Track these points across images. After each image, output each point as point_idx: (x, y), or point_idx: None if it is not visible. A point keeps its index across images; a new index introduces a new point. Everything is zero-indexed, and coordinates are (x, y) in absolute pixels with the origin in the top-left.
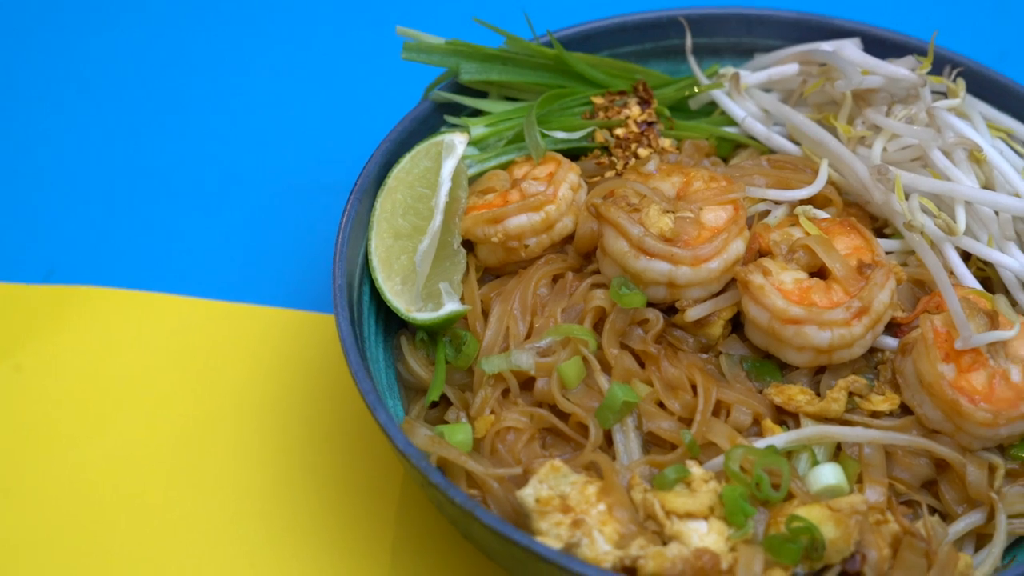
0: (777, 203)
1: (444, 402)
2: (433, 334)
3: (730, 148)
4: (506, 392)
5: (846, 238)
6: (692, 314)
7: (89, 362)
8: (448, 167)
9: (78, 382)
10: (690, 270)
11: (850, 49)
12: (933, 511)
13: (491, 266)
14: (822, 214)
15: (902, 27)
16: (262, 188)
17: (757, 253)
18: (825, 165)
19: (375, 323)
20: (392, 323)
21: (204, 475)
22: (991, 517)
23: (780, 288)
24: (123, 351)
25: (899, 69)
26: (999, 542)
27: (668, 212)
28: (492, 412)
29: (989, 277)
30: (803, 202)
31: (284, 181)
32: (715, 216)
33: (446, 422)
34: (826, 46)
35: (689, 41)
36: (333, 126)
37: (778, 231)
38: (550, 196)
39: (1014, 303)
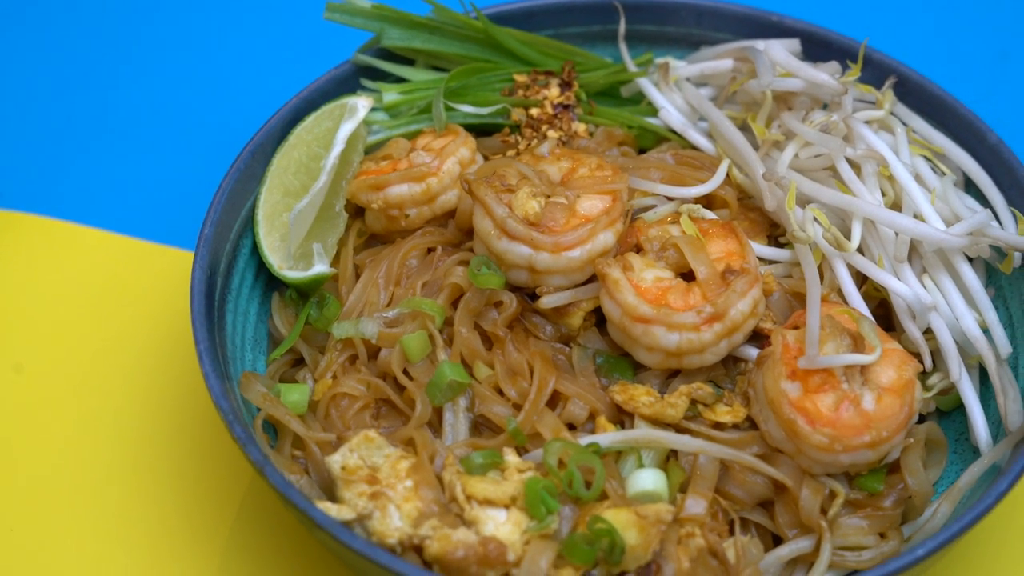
0: (671, 199)
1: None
2: (304, 293)
3: (654, 140)
4: (355, 359)
5: (722, 242)
6: (546, 301)
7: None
8: (345, 130)
9: None
10: (550, 256)
11: (777, 49)
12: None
13: (376, 233)
14: (710, 215)
15: (893, 27)
16: (189, 134)
17: (634, 247)
18: (725, 165)
19: (254, 277)
20: (276, 279)
21: (62, 410)
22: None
23: (637, 285)
24: (30, 279)
25: (819, 74)
26: (818, 570)
27: (539, 196)
28: (334, 376)
29: (886, 299)
30: (699, 201)
31: (213, 129)
32: (591, 205)
33: (296, 382)
34: (760, 44)
35: (623, 27)
36: (261, 80)
37: (658, 227)
38: (434, 168)
39: (901, 330)
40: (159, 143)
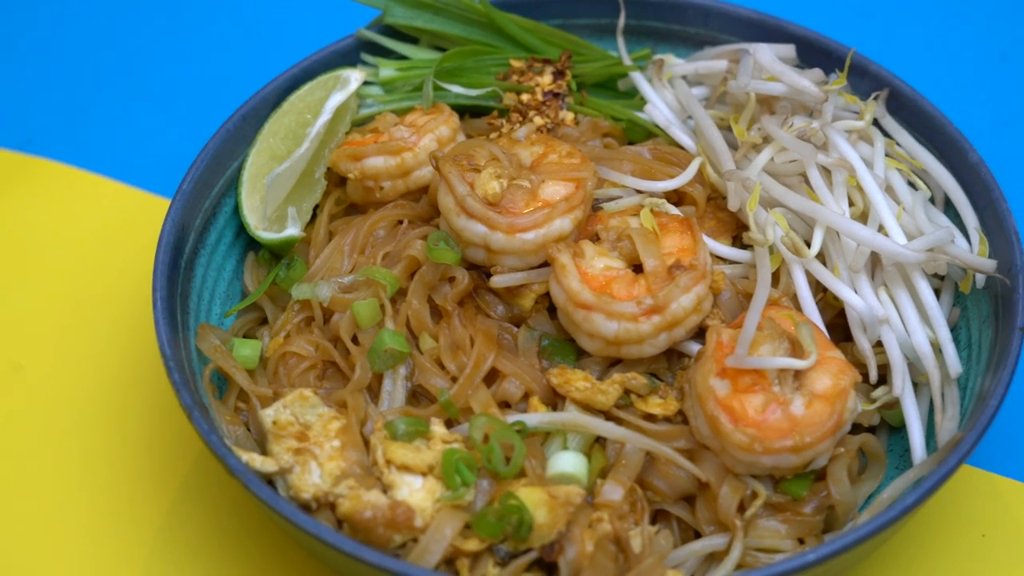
0: (641, 192)
1: None
2: (277, 255)
3: (644, 135)
4: (310, 320)
5: (678, 236)
6: (497, 280)
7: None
8: (334, 100)
9: None
10: (504, 237)
11: (765, 52)
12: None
13: (355, 202)
14: (673, 210)
15: (891, 27)
16: (203, 93)
17: (595, 236)
18: (696, 163)
19: (234, 236)
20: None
21: (47, 349)
22: None
23: (584, 272)
24: (37, 222)
25: (801, 80)
26: (724, 568)
27: (503, 178)
28: (287, 336)
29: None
30: (669, 197)
31: (223, 90)
32: (553, 190)
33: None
34: (751, 47)
35: (622, 20)
36: (272, 48)
37: (619, 218)
38: (410, 144)
39: (851, 341)
40: (172, 99)
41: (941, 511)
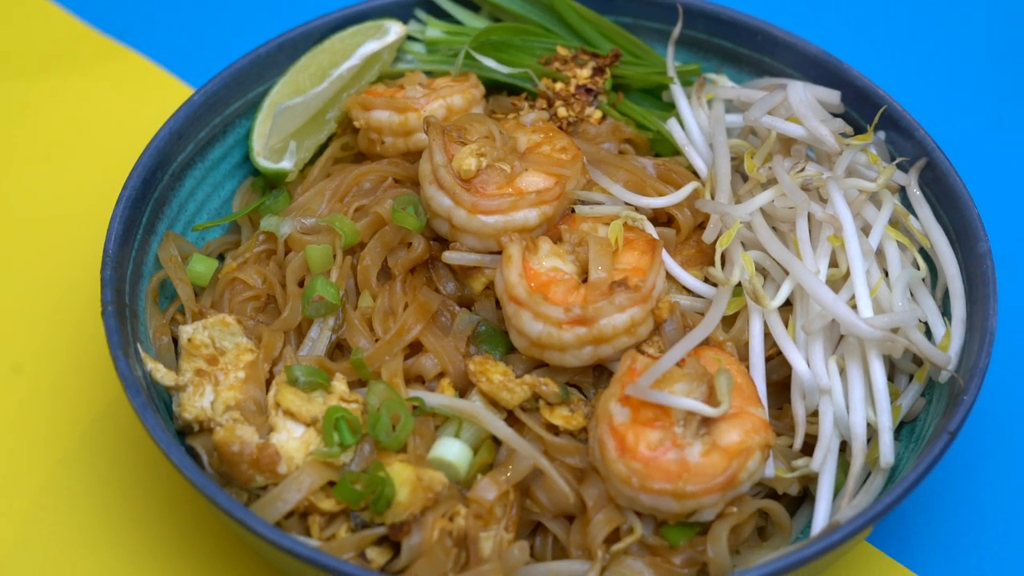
0: (628, 204)
1: None
2: (272, 184)
3: (672, 150)
4: (272, 253)
5: (639, 255)
6: (449, 255)
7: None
8: (366, 47)
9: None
10: (465, 215)
11: (797, 91)
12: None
13: (362, 151)
14: (650, 228)
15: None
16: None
17: (559, 236)
18: (688, 187)
19: (242, 157)
20: None
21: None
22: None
23: (529, 267)
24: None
25: (821, 128)
26: None
27: (483, 157)
28: (243, 262)
29: None
30: (657, 215)
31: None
32: (531, 181)
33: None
34: (788, 84)
35: (677, 30)
36: None
37: (591, 223)
38: (417, 104)
39: (786, 405)
40: (264, 24)
41: None
